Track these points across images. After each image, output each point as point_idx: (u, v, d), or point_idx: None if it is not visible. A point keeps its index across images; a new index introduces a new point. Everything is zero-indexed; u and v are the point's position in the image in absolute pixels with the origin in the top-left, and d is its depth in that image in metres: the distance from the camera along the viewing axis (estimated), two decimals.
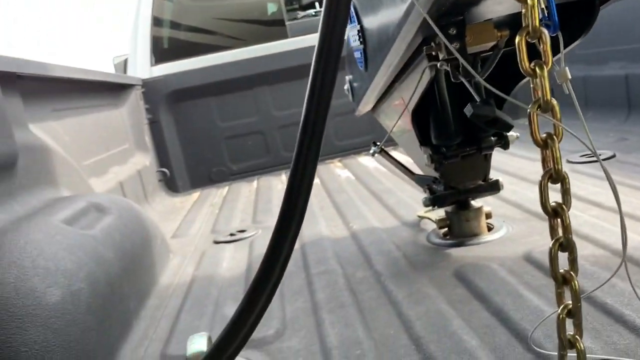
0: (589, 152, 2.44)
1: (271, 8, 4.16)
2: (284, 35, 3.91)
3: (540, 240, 1.55)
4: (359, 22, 1.40)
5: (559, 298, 0.85)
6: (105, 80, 3.01)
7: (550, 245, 0.83)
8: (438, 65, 1.10)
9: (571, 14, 1.13)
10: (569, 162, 2.37)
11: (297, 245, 1.98)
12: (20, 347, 1.10)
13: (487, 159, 1.66)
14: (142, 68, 3.81)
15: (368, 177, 2.98)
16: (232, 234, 2.38)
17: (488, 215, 1.76)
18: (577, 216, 1.67)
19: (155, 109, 3.76)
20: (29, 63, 2.01)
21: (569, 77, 0.79)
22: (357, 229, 2.06)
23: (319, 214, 2.41)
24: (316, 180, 3.22)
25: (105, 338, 1.34)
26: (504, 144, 1.57)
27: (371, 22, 1.31)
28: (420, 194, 1.90)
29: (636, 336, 1.03)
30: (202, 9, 4.14)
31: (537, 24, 0.75)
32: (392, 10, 1.04)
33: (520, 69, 0.78)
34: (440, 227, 1.76)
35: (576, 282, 0.82)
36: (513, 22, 1.07)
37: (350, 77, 1.87)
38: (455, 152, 1.56)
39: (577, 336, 0.84)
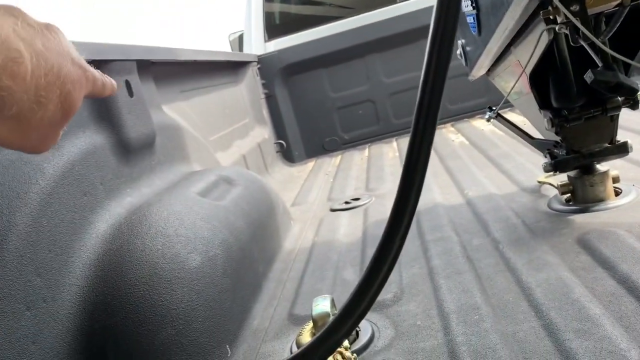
0: None
1: None
2: (392, 1, 3.87)
3: None
4: None
5: None
6: (225, 59, 3.19)
7: None
8: (556, 28, 1.06)
9: None
10: None
11: None
12: (170, 305, 1.26)
13: (614, 120, 1.56)
14: (257, 45, 3.98)
15: (483, 142, 2.91)
16: (346, 202, 2.46)
17: (615, 179, 1.67)
18: None
19: (271, 84, 3.92)
20: (160, 49, 2.19)
21: None
22: (472, 196, 2.05)
23: (432, 180, 2.41)
24: None
25: (239, 298, 1.49)
26: (633, 104, 1.47)
27: None
28: (540, 158, 1.85)
29: None
30: None
31: None
32: None
33: None
34: (563, 193, 1.70)
35: None
36: None
37: (463, 41, 1.83)
38: (578, 115, 1.49)
39: None
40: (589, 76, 0.98)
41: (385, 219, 0.85)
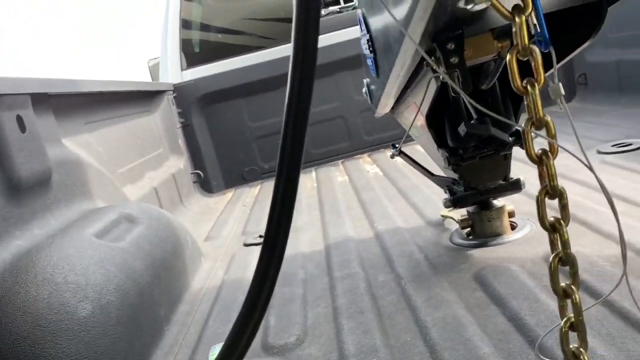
0: (622, 142, 2.38)
1: None
2: None
3: None
4: (368, 31, 1.41)
5: (562, 311, 0.85)
6: (136, 89, 3.10)
7: (550, 259, 0.83)
8: (441, 77, 1.10)
9: (579, 16, 1.11)
10: (599, 152, 2.31)
11: (322, 247, 2.03)
12: (55, 359, 1.17)
13: (507, 158, 1.64)
14: (173, 73, 3.91)
15: (395, 173, 2.98)
16: (261, 236, 2.42)
17: (511, 214, 1.75)
18: (600, 212, 1.64)
19: (187, 113, 3.85)
20: (59, 81, 2.10)
21: (562, 93, 0.78)
22: (381, 230, 2.08)
23: (345, 213, 2.44)
24: (344, 178, 3.25)
25: (136, 347, 1.41)
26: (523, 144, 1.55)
27: (378, 33, 1.31)
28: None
29: None
30: (229, 10, 4.19)
31: (527, 42, 0.75)
32: (393, 26, 1.05)
33: (513, 87, 0.78)
34: (463, 227, 1.75)
35: (577, 296, 0.82)
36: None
37: (368, 80, 1.88)
38: (473, 154, 1.56)
39: (581, 349, 0.85)
40: (462, 129, 1.03)
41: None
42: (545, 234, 1.70)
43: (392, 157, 1.86)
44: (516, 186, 1.66)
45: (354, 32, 3.54)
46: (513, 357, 1.09)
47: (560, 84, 0.78)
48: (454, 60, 0.97)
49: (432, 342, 1.21)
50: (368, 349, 1.24)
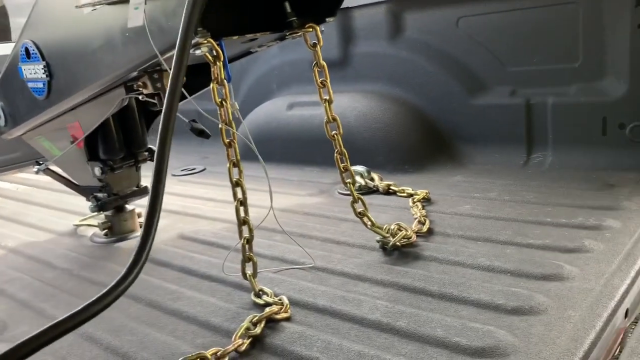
0: (187, 168, 3.22)
1: None
2: None
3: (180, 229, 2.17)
4: (44, 59, 1.71)
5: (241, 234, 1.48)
6: None
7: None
8: (140, 97, 1.56)
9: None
10: (173, 175, 3.08)
11: None
12: None
13: (138, 169, 2.16)
14: None
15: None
16: None
17: (139, 215, 2.26)
18: (199, 208, 2.36)
19: None
20: None
21: (237, 107, 1.42)
22: (15, 245, 2.18)
23: None
24: None
25: None
26: (153, 158, 2.12)
27: (63, 63, 1.65)
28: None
29: None
30: None
31: (223, 77, 1.36)
32: (93, 65, 1.47)
33: (214, 103, 1.37)
34: (104, 229, 2.14)
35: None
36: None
37: (2, 104, 2.05)
38: (120, 165, 2.01)
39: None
40: (187, 125, 1.53)
41: None
42: (164, 227, 2.25)
43: (37, 173, 2.07)
44: (145, 191, 2.19)
45: None
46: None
47: (236, 103, 1.41)
48: (159, 84, 1.48)
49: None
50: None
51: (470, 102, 2.62)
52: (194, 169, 3.21)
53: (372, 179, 2.38)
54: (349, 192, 2.33)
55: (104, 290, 1.01)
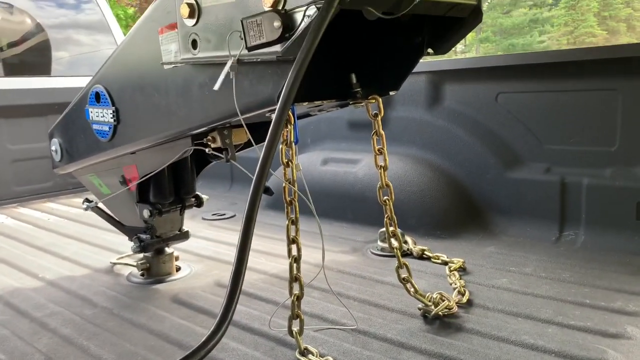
0: (217, 212, 3.27)
1: None
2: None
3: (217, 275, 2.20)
4: (114, 104, 1.79)
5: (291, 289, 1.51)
6: None
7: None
8: (207, 150, 1.63)
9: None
10: (203, 219, 3.13)
11: None
12: None
13: (182, 213, 2.21)
14: None
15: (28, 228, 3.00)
16: None
17: (176, 259, 2.29)
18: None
19: None
20: None
21: (300, 168, 1.48)
22: (52, 278, 2.22)
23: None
24: None
25: None
26: (199, 204, 2.18)
27: (134, 111, 1.73)
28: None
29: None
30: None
31: (292, 139, 1.43)
32: (166, 116, 1.56)
33: (281, 162, 1.43)
34: (142, 270, 2.18)
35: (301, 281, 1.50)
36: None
37: (61, 140, 2.13)
38: (168, 209, 2.07)
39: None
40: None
41: None
42: (200, 273, 2.30)
43: (86, 209, 2.13)
44: (187, 235, 2.24)
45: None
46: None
47: (299, 164, 1.48)
48: (227, 140, 1.55)
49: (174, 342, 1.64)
50: None
51: (505, 174, 2.68)
52: (224, 214, 3.26)
53: (406, 242, 2.41)
54: (382, 253, 2.40)
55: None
